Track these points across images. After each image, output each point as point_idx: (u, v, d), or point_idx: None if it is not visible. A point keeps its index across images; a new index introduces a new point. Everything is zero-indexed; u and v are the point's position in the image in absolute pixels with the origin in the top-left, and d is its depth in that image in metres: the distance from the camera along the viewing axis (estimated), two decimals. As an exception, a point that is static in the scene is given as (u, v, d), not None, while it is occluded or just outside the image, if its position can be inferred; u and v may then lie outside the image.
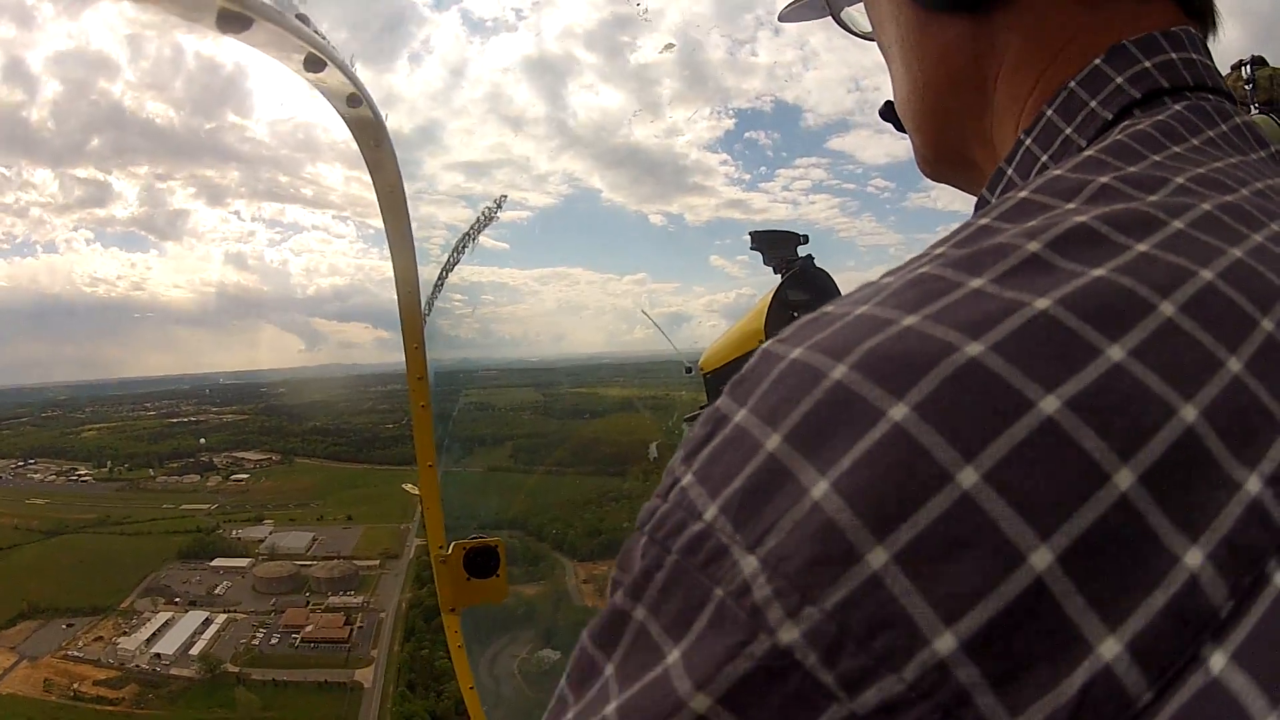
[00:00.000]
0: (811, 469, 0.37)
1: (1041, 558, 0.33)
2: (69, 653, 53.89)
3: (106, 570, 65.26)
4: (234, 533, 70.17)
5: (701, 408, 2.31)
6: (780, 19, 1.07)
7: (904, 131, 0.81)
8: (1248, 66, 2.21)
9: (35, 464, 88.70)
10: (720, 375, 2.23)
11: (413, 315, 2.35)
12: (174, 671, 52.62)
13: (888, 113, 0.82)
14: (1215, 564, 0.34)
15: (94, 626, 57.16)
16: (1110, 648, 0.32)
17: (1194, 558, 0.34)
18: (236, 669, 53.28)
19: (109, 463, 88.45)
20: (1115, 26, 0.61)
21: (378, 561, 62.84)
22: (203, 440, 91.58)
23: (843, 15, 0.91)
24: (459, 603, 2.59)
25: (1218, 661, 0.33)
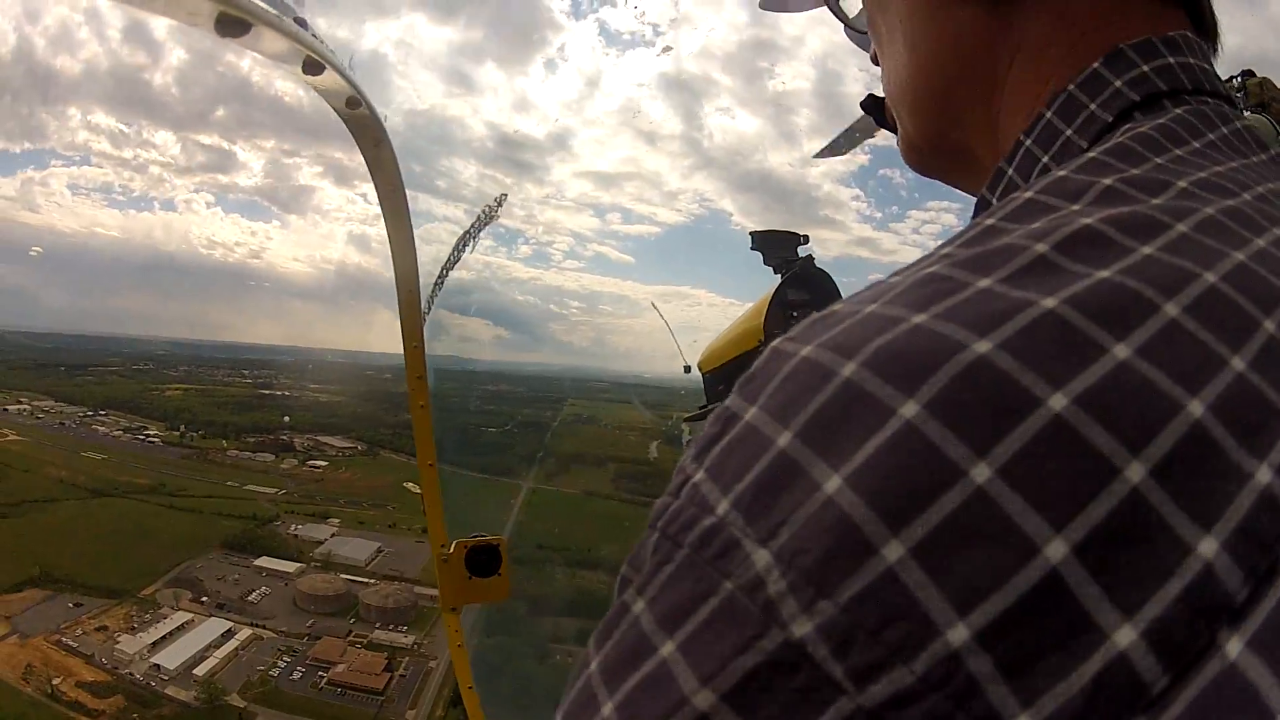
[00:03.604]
0: (824, 465, 0.37)
1: (1056, 549, 0.33)
2: (63, 639, 50.09)
3: (140, 546, 61.39)
4: (292, 528, 66.32)
5: (701, 408, 2.35)
6: (761, 7, 1.07)
7: (885, 125, 0.81)
8: (1238, 78, 2.28)
9: (105, 415, 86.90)
10: (719, 374, 2.26)
11: (412, 315, 2.37)
12: (169, 691, 47.53)
13: (870, 104, 0.81)
14: (1229, 552, 0.34)
15: (103, 612, 53.75)
16: (1125, 635, 0.32)
17: (1208, 546, 0.34)
18: (242, 705, 47.82)
19: (182, 426, 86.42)
20: (1134, 25, 0.61)
21: None
22: (286, 418, 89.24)
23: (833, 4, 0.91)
24: (460, 601, 2.61)
25: (1234, 648, 0.33)
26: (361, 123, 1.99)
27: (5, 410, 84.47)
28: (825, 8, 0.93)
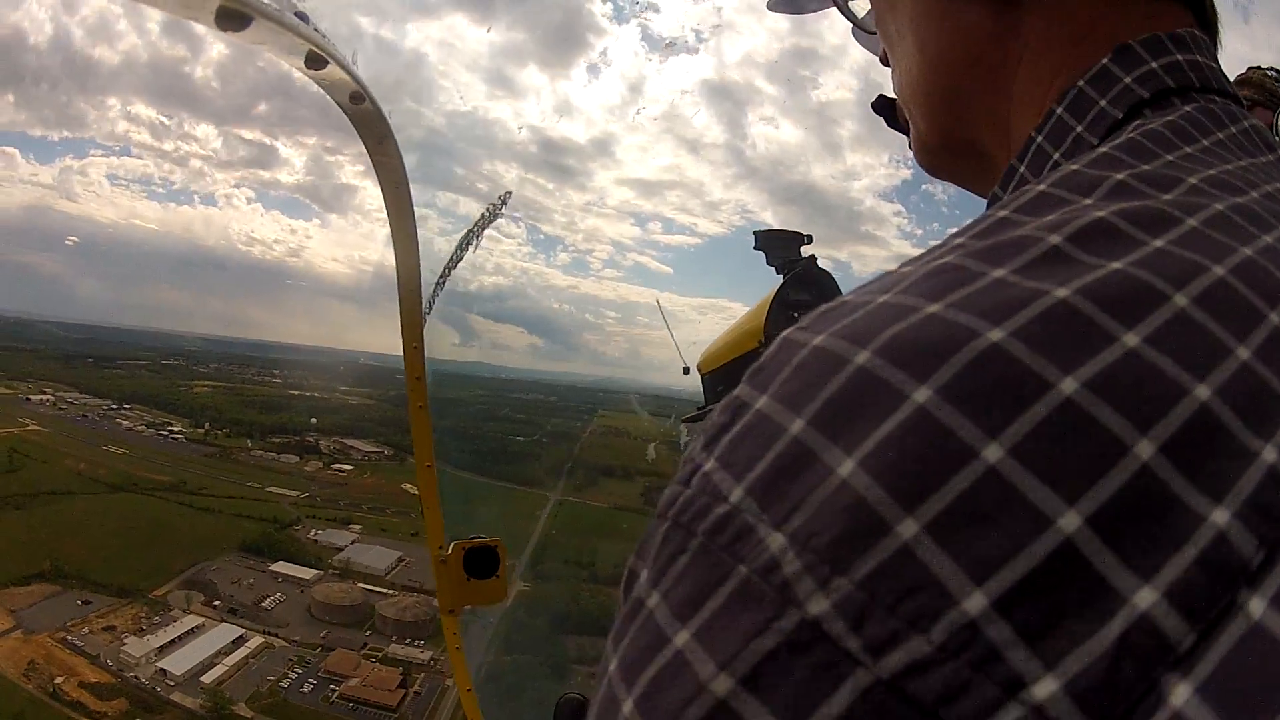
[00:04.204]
0: (837, 449, 0.37)
1: (1070, 520, 0.34)
2: (69, 637, 48.06)
3: (155, 545, 59.60)
4: (312, 533, 64.86)
5: (700, 409, 2.34)
6: (769, 8, 1.07)
7: (897, 127, 0.81)
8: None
9: (130, 410, 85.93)
10: (718, 376, 2.24)
11: (413, 315, 2.36)
12: (174, 697, 45.45)
13: (881, 106, 0.82)
14: (1241, 521, 0.35)
15: (112, 612, 51.63)
16: (1146, 597, 0.33)
17: (1220, 516, 0.34)
18: (249, 715, 45.80)
19: (207, 424, 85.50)
20: (1141, 22, 0.62)
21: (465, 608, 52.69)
22: (313, 420, 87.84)
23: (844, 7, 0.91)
24: (458, 603, 2.61)
25: (1257, 607, 0.33)
26: (365, 118, 1.98)
27: (28, 400, 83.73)
28: (834, 8, 0.93)
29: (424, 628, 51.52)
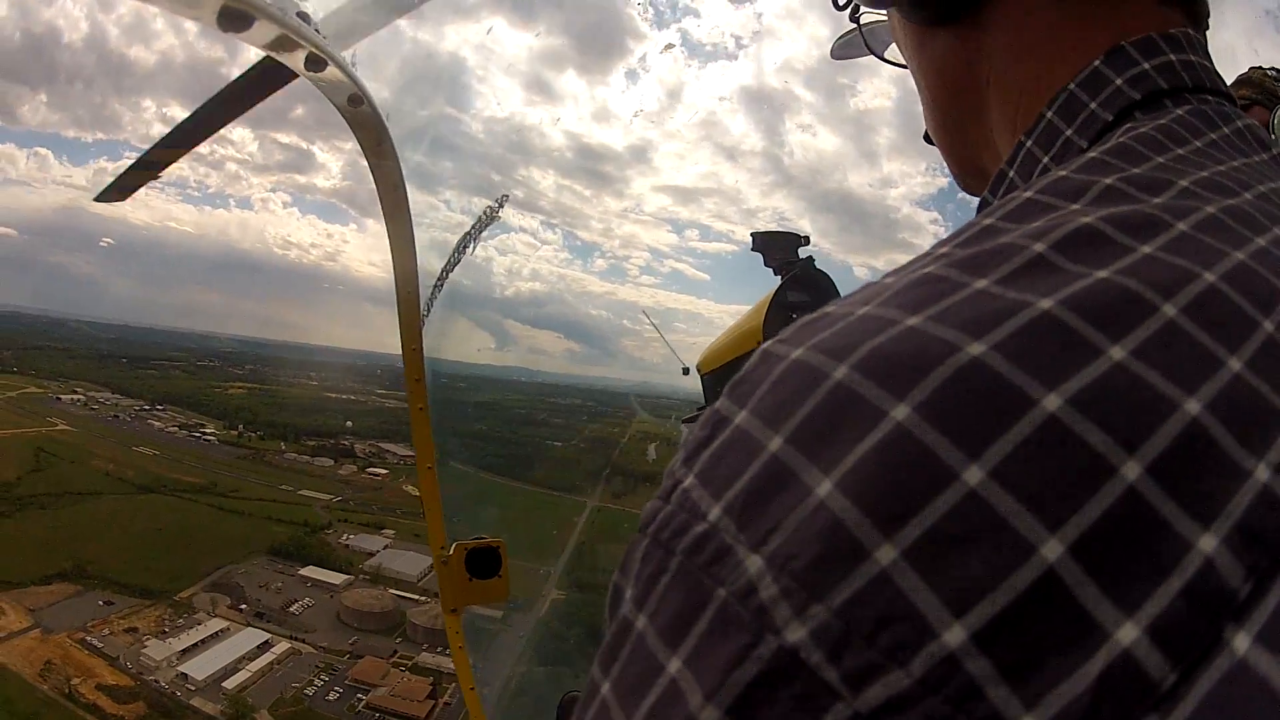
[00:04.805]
0: (815, 469, 0.37)
1: (1052, 549, 0.33)
2: (89, 638, 46.23)
3: (183, 547, 58.58)
4: (345, 537, 62.81)
5: (700, 408, 2.32)
6: (833, 56, 1.11)
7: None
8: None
9: (163, 410, 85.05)
10: (718, 376, 2.23)
11: (412, 316, 2.37)
12: (194, 702, 43.08)
13: (928, 139, 0.83)
14: (1230, 548, 0.34)
15: (135, 613, 49.83)
16: (1128, 632, 0.32)
17: (1208, 543, 0.34)
18: None
19: (241, 425, 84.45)
20: (1098, 28, 0.62)
21: (500, 613, 41.59)
22: (349, 423, 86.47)
23: (888, 53, 0.93)
24: (460, 603, 2.62)
25: (1242, 643, 0.33)
26: (363, 120, 1.99)
27: (58, 400, 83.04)
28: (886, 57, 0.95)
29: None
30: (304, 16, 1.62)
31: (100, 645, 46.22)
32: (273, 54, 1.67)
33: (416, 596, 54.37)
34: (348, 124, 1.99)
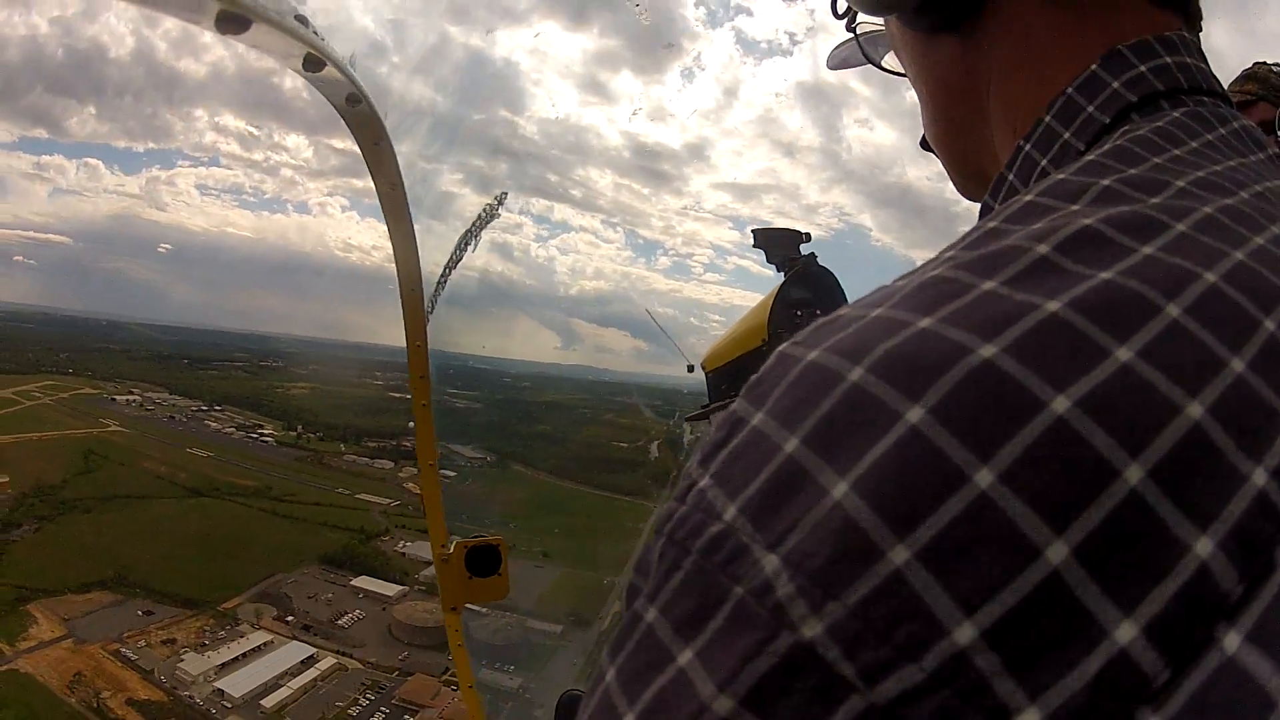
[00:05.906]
0: (830, 470, 0.37)
1: (1057, 551, 0.34)
2: (123, 649, 46.01)
3: (230, 554, 57.75)
4: (401, 545, 61.40)
5: (703, 406, 2.37)
6: (829, 67, 1.12)
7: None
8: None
9: (220, 411, 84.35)
10: (722, 373, 2.26)
11: (416, 314, 2.38)
12: None
13: (926, 145, 0.84)
14: (1224, 552, 0.35)
15: (175, 624, 49.33)
16: (1126, 632, 0.34)
17: (1204, 546, 0.35)
18: None
19: (300, 427, 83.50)
20: (1095, 32, 0.63)
21: (559, 629, 40.73)
22: (412, 424, 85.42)
23: (885, 61, 0.94)
24: (460, 601, 2.65)
25: (1232, 642, 0.35)
26: (361, 120, 2.02)
27: (113, 400, 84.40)
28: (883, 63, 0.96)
29: (515, 652, 43.92)
30: (301, 19, 1.64)
31: (134, 657, 45.90)
32: (271, 56, 1.70)
33: (474, 609, 52.45)
34: (346, 123, 2.02)
